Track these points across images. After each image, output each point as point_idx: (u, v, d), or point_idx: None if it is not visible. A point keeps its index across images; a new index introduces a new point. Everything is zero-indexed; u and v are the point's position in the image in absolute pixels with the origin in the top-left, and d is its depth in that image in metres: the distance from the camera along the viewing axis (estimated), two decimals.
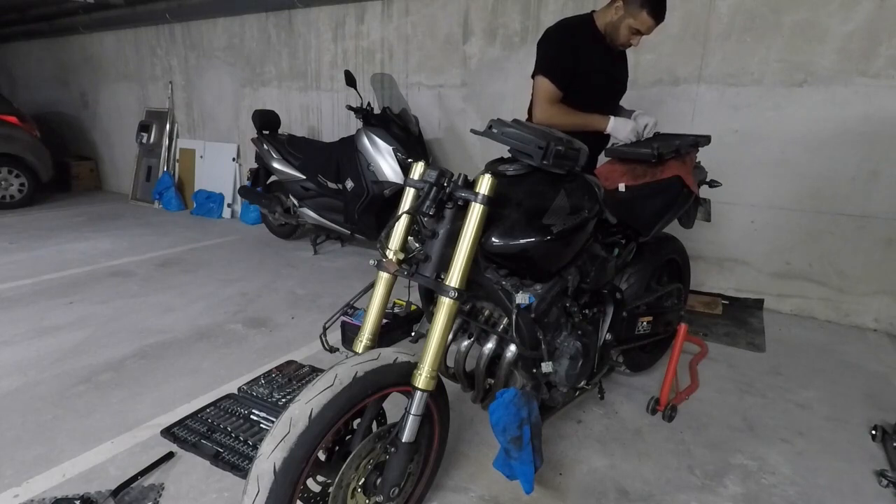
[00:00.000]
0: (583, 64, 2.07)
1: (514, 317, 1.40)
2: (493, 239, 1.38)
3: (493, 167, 1.49)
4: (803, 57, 2.85)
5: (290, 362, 2.31)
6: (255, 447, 1.71)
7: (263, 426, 1.85)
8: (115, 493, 1.54)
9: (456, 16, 3.94)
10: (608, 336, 1.80)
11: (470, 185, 1.28)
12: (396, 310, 1.61)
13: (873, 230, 2.86)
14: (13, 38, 7.65)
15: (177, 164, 6.04)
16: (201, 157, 5.81)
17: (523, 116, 2.26)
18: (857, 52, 2.72)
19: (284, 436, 1.06)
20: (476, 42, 3.90)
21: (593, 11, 2.13)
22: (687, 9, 3.07)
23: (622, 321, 1.84)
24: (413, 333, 1.62)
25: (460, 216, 1.27)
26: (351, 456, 1.20)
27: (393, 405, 1.38)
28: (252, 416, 1.90)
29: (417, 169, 1.36)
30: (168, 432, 1.80)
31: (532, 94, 2.17)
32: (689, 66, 3.14)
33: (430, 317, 1.39)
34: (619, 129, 2.06)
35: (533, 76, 2.13)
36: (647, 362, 2.35)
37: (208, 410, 1.94)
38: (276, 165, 4.04)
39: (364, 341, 1.36)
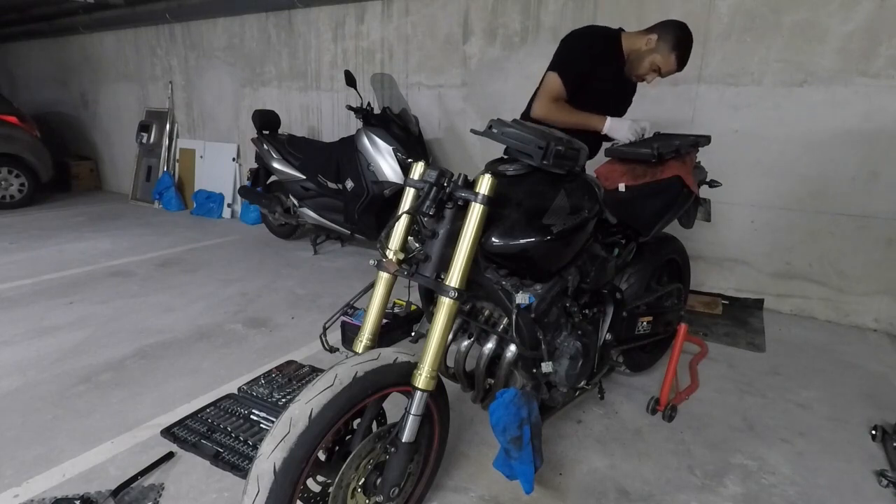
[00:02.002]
0: (597, 74, 2.07)
1: (514, 317, 1.40)
2: (493, 239, 1.38)
3: (493, 167, 1.49)
4: (803, 57, 2.85)
5: (290, 362, 2.31)
6: (255, 447, 1.71)
7: (263, 426, 1.85)
8: (115, 493, 1.54)
9: (456, 16, 3.94)
10: (608, 336, 1.80)
11: (470, 185, 1.28)
12: (396, 310, 1.61)
13: (873, 230, 2.86)
14: (13, 38, 7.65)
15: (177, 164, 6.04)
16: (201, 157, 5.81)
17: None
18: (857, 52, 2.72)
19: (284, 436, 1.06)
20: (476, 42, 3.90)
21: (621, 30, 2.12)
22: (687, 9, 3.07)
23: (622, 321, 1.84)
24: (413, 333, 1.62)
25: (460, 216, 1.27)
26: (351, 456, 1.20)
27: (393, 405, 1.38)
28: (252, 416, 1.90)
29: (417, 169, 1.36)
30: (168, 432, 1.80)
31: (538, 87, 2.15)
32: (689, 66, 3.08)
33: (430, 317, 1.39)
34: (616, 129, 2.04)
35: (546, 70, 2.10)
36: (647, 362, 2.35)
37: (208, 410, 1.94)
38: (276, 165, 4.04)
39: (364, 341, 1.36)
